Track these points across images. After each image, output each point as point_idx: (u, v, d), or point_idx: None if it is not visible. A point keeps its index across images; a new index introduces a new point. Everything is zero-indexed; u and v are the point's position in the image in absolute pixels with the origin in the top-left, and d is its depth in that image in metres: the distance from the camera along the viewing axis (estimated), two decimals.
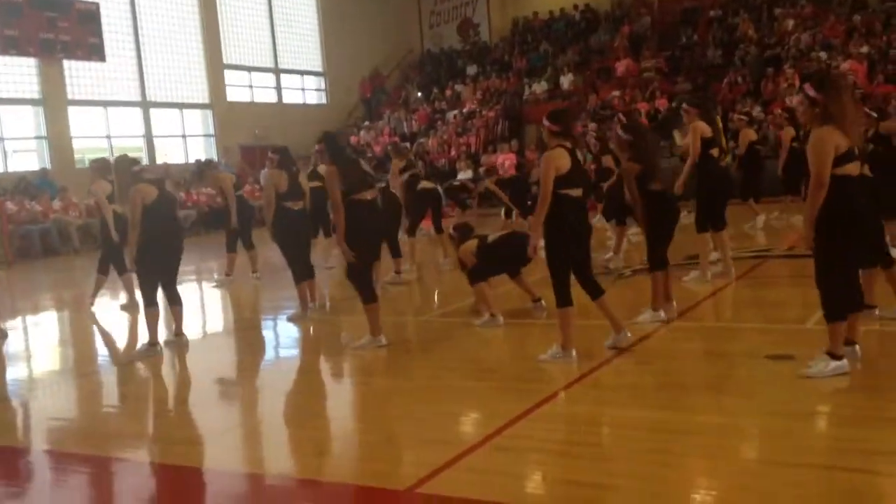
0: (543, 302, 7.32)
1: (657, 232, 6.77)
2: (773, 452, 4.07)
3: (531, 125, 22.62)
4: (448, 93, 26.56)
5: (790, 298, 7.69)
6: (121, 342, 8.21)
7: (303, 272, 8.18)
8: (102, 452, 4.81)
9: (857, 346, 5.19)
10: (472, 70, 27.21)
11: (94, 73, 20.64)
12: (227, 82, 24.07)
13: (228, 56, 24.12)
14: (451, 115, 25.07)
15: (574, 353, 5.73)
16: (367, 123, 26.36)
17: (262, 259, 11.41)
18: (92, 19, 20.16)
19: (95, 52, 20.32)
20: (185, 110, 23.22)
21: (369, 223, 6.49)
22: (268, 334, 8.27)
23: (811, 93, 4.86)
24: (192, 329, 7.98)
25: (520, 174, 15.46)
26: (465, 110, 24.98)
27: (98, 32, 20.29)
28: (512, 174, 15.37)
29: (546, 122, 5.76)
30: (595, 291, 5.87)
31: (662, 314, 6.74)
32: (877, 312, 6.10)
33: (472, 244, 7.52)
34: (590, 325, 6.87)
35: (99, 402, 6.17)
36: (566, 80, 24.16)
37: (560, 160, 5.56)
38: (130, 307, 9.41)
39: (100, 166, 9.68)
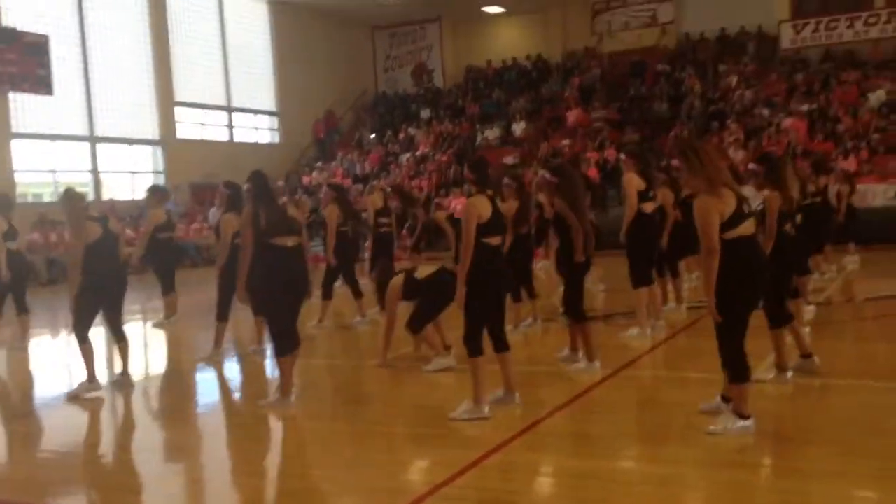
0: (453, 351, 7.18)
1: (571, 282, 6.82)
2: (717, 503, 4.10)
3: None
4: (401, 136, 26.74)
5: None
6: (57, 382, 7.93)
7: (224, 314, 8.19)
8: (37, 501, 4.62)
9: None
10: (425, 114, 27.47)
11: (40, 107, 20.26)
12: (177, 119, 23.84)
13: (180, 93, 23.92)
14: (404, 157, 25.21)
15: (487, 408, 5.54)
16: (319, 164, 26.34)
17: (207, 300, 11.17)
18: (40, 51, 19.81)
19: (42, 84, 19.97)
20: (134, 146, 22.90)
21: (288, 271, 6.13)
22: (208, 377, 8.06)
23: (676, 163, 4.97)
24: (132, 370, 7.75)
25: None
26: (418, 153, 25.15)
27: (46, 64, 19.94)
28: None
29: (465, 171, 5.71)
30: (501, 346, 5.75)
31: (597, 364, 6.73)
32: (789, 375, 6.12)
33: (398, 279, 7.34)
34: (537, 371, 6.90)
35: (35, 447, 5.94)
36: (518, 128, 24.54)
37: (481, 208, 5.52)
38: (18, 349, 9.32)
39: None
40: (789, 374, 6.12)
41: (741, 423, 4.92)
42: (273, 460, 5.38)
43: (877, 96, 19.80)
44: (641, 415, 5.87)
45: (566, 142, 22.39)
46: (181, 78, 23.91)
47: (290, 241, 6.19)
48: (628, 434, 5.30)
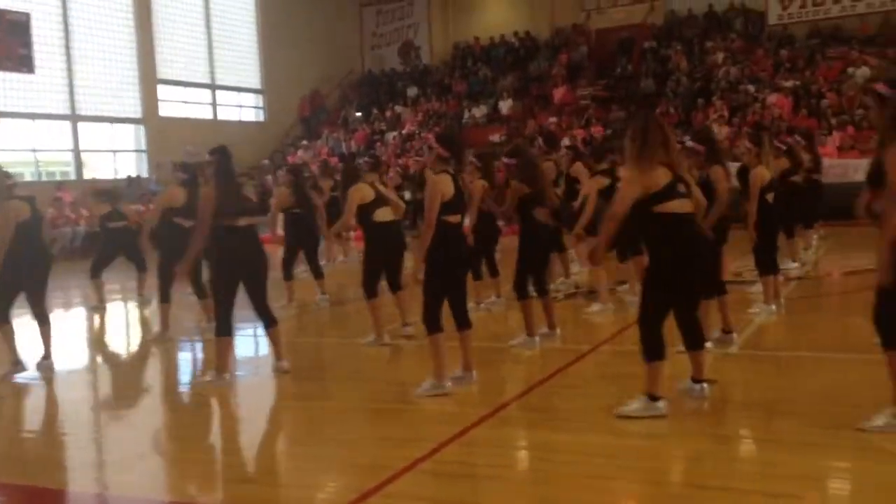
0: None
1: (528, 259, 6.76)
2: (699, 476, 4.12)
3: (470, 149, 22.72)
4: (388, 114, 26.58)
5: (715, 323, 7.84)
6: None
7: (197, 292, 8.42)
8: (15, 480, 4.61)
9: (705, 385, 5.14)
10: (412, 92, 27.30)
11: (21, 85, 20.02)
12: (160, 97, 23.61)
13: (163, 71, 23.68)
14: (390, 136, 25.08)
15: (449, 384, 5.55)
16: (304, 142, 26.17)
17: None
18: (22, 30, 19.58)
19: (24, 63, 19.73)
20: (115, 125, 22.68)
21: (236, 252, 6.10)
22: (186, 356, 8.02)
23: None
24: (117, 346, 7.71)
25: None
26: (404, 132, 25.02)
27: (27, 43, 19.71)
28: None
29: (435, 145, 5.58)
30: (463, 323, 5.73)
31: (537, 339, 6.73)
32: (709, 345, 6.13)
33: (367, 190, 7.24)
34: (510, 347, 6.89)
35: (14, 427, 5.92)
36: (505, 105, 24.43)
37: (445, 187, 5.46)
38: None
39: None
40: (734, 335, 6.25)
41: (651, 404, 4.83)
42: (252, 438, 5.36)
43: (862, 72, 19.78)
44: (617, 389, 5.86)
45: (553, 119, 22.30)
46: (164, 56, 23.66)
47: (241, 222, 6.14)
48: (604, 408, 5.28)
